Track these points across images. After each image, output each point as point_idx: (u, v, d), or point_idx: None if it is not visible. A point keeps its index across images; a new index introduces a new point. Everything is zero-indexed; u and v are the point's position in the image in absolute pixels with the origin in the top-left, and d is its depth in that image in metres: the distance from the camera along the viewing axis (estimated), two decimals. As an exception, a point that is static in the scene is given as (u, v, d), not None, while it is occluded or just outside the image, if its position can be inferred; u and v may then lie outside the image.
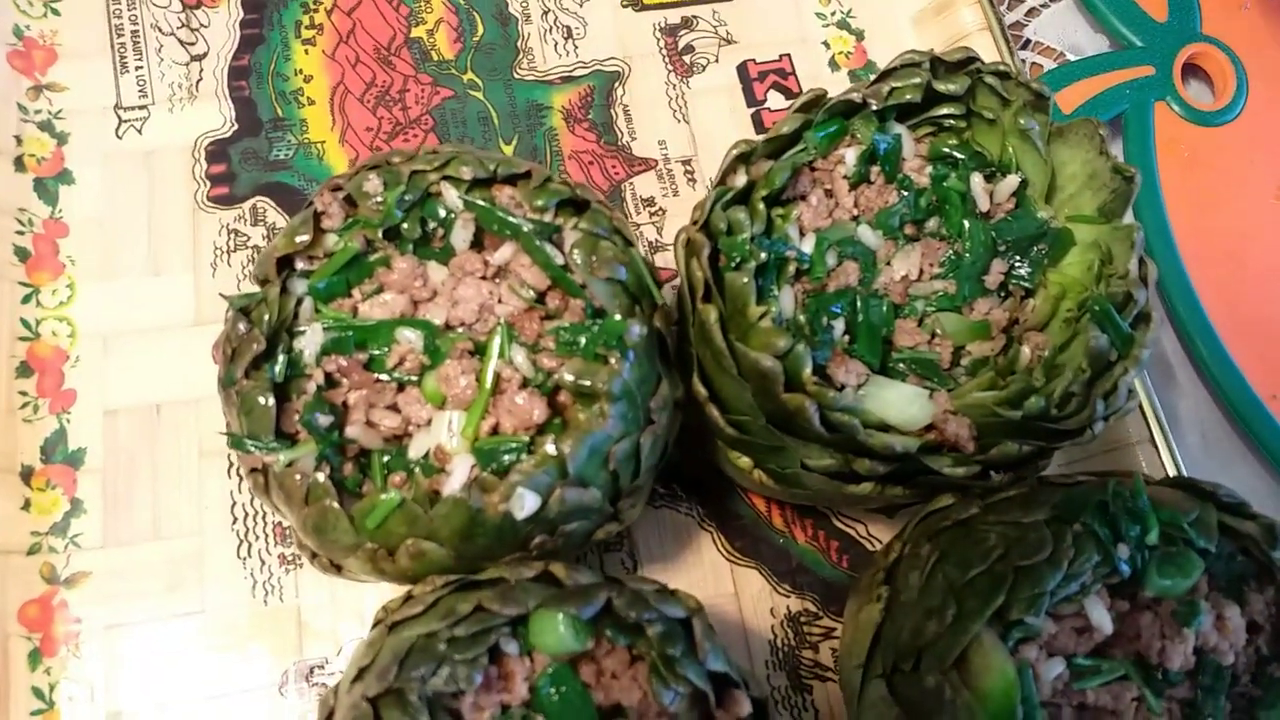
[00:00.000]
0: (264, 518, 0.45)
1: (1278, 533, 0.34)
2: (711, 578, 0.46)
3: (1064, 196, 0.39)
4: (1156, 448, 0.47)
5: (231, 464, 0.46)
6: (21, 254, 0.48)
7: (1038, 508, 0.34)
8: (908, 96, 0.37)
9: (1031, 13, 0.63)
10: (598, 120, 0.54)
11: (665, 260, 0.52)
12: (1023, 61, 0.61)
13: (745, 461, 0.40)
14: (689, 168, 0.54)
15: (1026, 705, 0.32)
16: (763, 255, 0.35)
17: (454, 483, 0.33)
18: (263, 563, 0.45)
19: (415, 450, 0.34)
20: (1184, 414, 0.54)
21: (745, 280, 0.34)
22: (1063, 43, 0.62)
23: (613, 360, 0.33)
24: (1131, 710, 0.33)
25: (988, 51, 0.54)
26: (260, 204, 0.51)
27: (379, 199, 0.35)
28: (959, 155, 0.39)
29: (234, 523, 0.45)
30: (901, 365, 0.38)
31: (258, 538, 0.45)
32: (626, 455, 0.34)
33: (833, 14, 0.58)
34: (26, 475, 0.45)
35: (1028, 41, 0.62)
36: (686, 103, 0.55)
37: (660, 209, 0.53)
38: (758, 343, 0.34)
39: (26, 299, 0.47)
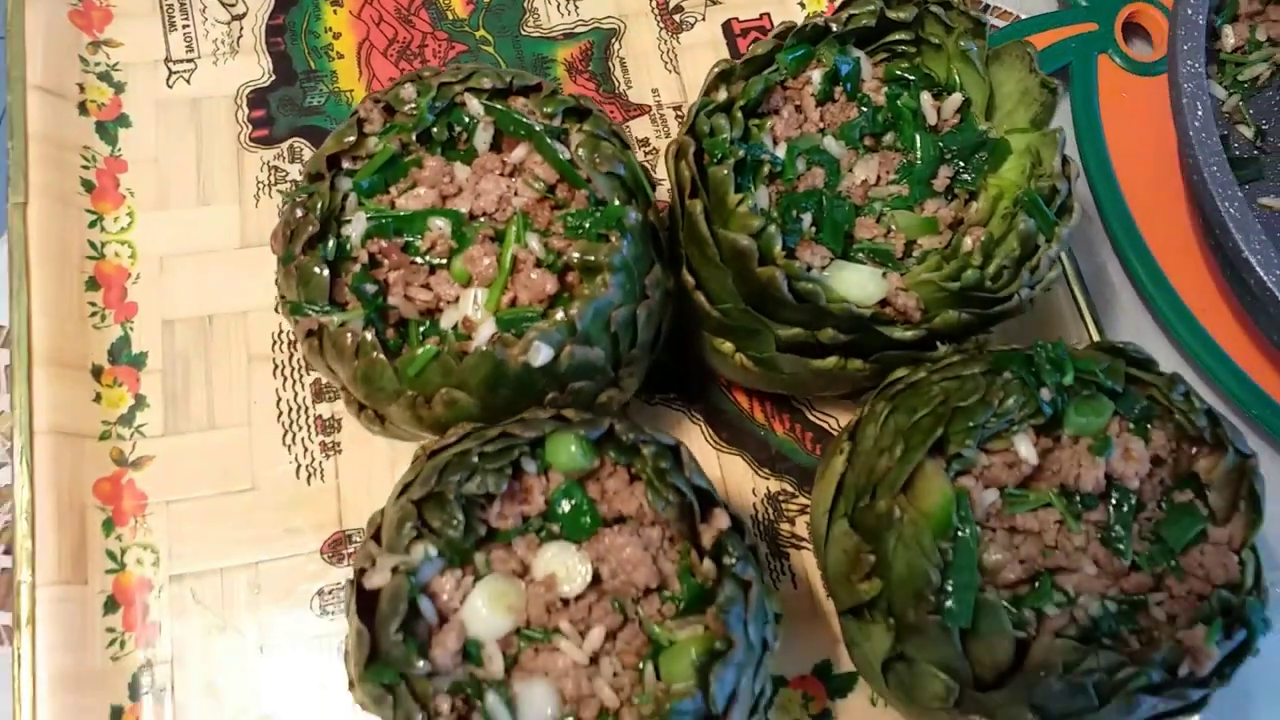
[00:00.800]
0: (306, 412, 0.51)
1: (1177, 382, 0.40)
2: (700, 464, 0.52)
3: (1003, 112, 0.46)
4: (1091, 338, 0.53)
5: (276, 366, 0.52)
6: (87, 186, 0.54)
7: (975, 364, 0.41)
8: (864, 22, 0.44)
9: (991, -18, 0.70)
10: (597, 71, 0.61)
11: (660, 195, 0.58)
12: (985, 22, 0.68)
13: (728, 346, 0.46)
14: (679, 112, 0.60)
15: (962, 519, 0.38)
16: (740, 153, 0.42)
17: (480, 339, 0.39)
18: (305, 449, 0.51)
19: (446, 321, 0.41)
20: (1125, 330, 0.60)
21: (725, 172, 0.41)
22: (1020, 7, 0.68)
23: (613, 239, 0.40)
24: (1054, 531, 0.39)
25: (946, 8, 0.60)
26: (297, 144, 0.57)
27: (413, 105, 0.41)
28: (910, 77, 0.46)
29: (279, 416, 0.51)
30: (860, 255, 0.44)
31: (301, 428, 0.51)
32: (625, 322, 0.40)
33: (808, -24, 0.64)
34: (96, 373, 0.50)
35: (988, 6, 0.69)
36: (676, 56, 0.61)
37: (654, 149, 0.59)
38: (736, 225, 0.41)
39: (92, 224, 0.53)
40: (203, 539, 0.49)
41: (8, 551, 0.50)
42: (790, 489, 0.52)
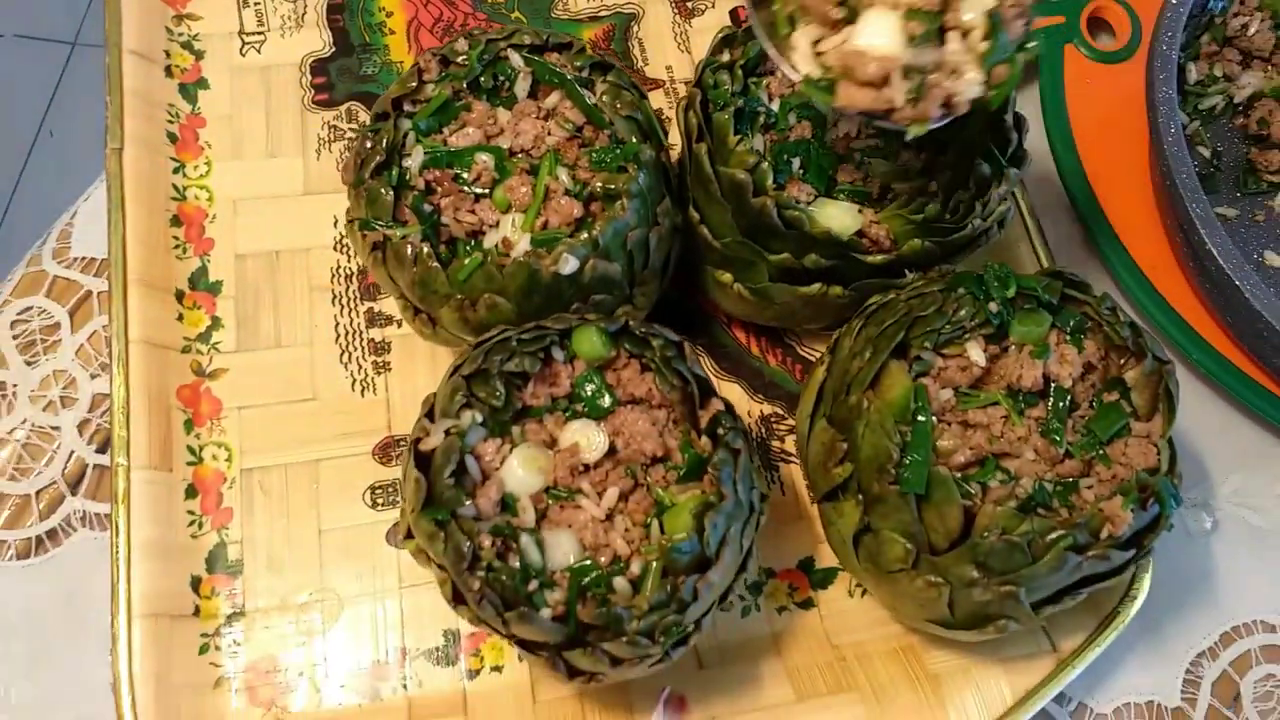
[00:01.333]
0: (360, 335, 0.59)
1: (1105, 300, 0.47)
2: (703, 388, 0.60)
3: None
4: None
5: (334, 296, 0.60)
6: (171, 137, 0.62)
7: (935, 284, 0.48)
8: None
9: (973, -20, 0.78)
10: (618, 50, 0.68)
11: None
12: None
13: (728, 277, 0.53)
14: (689, 87, 0.67)
15: (919, 407, 0.45)
16: (740, 103, 0.49)
17: (517, 252, 0.46)
18: (359, 366, 0.58)
19: (489, 241, 0.48)
20: (1086, 288, 0.67)
21: (727, 118, 0.48)
22: (997, 3, 0.76)
23: (631, 170, 0.47)
24: (1000, 424, 0.46)
25: None
26: (353, 107, 0.65)
27: (464, 57, 0.49)
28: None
29: (336, 338, 0.59)
30: (841, 195, 0.51)
31: (355, 349, 0.58)
32: (639, 243, 0.48)
33: (807, -28, 0.72)
34: (179, 296, 0.58)
35: None
36: (688, 38, 0.69)
37: (667, 117, 0.67)
38: (735, 162, 0.48)
39: (175, 170, 0.61)
40: (269, 440, 0.56)
41: (101, 450, 0.57)
42: (781, 412, 0.59)
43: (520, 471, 0.43)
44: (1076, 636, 0.52)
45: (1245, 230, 0.66)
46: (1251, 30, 0.69)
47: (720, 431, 0.44)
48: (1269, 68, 0.69)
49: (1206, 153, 0.68)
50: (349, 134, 0.64)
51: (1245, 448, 0.64)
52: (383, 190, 0.47)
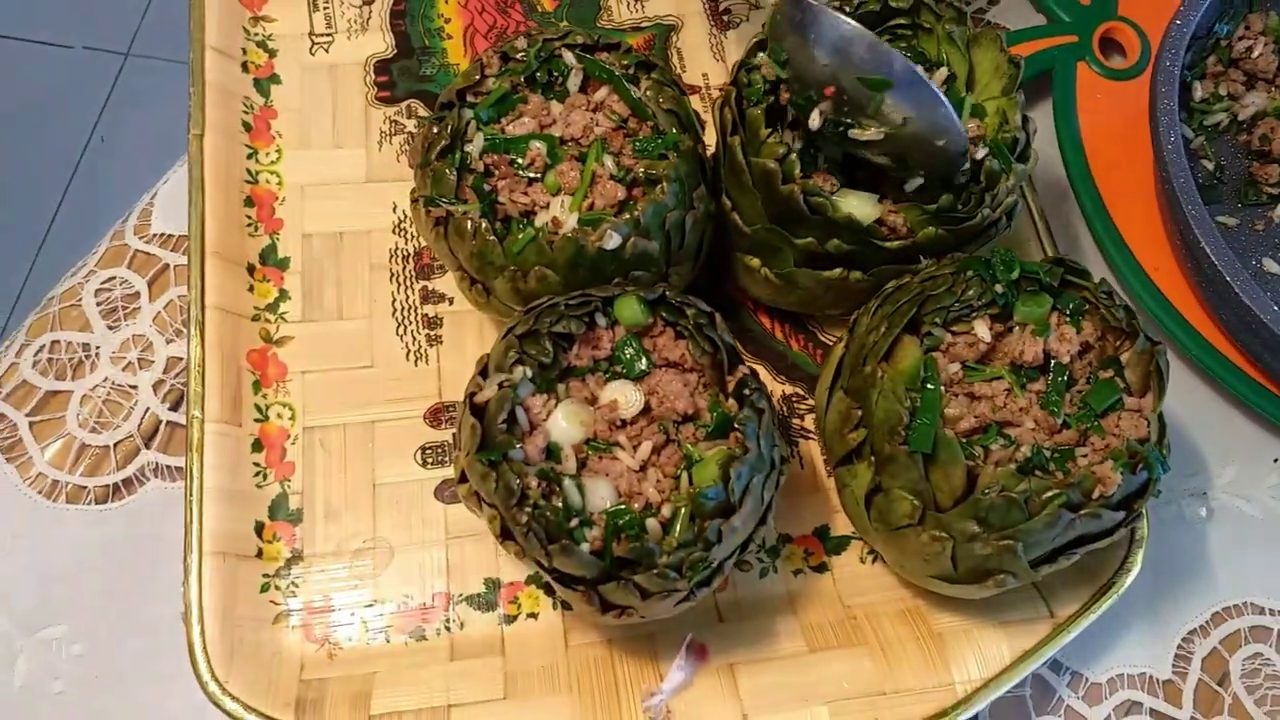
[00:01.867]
0: (415, 310, 0.63)
1: (1103, 286, 0.51)
2: (730, 368, 0.64)
3: (981, 84, 0.58)
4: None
5: (392, 274, 0.64)
6: (246, 126, 0.67)
7: (947, 267, 0.52)
8: (871, 7, 0.56)
9: (992, 1, 0.82)
10: (658, 58, 0.73)
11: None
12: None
13: (756, 262, 0.58)
14: (723, 92, 0.72)
15: (929, 376, 0.49)
16: (771, 100, 0.54)
17: (566, 229, 0.51)
18: (414, 339, 0.63)
19: (540, 220, 0.53)
20: (1092, 289, 0.71)
21: (759, 113, 0.53)
22: (1014, 25, 0.81)
23: (670, 158, 0.52)
24: (1004, 396, 0.50)
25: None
26: (413, 104, 0.70)
27: (523, 54, 0.54)
28: (908, 54, 0.58)
29: (394, 312, 0.63)
30: (862, 186, 0.56)
31: (410, 323, 0.63)
32: (676, 224, 0.52)
33: (836, -10, 0.77)
34: (250, 270, 0.63)
35: (989, 23, 0.81)
36: (723, 48, 0.74)
37: (704, 121, 0.71)
38: (766, 153, 0.53)
39: (249, 156, 0.66)
40: (329, 402, 0.61)
41: (174, 408, 0.62)
42: (801, 393, 0.64)
43: (564, 424, 0.48)
44: (1072, 605, 0.56)
45: (1245, 238, 0.70)
46: (1255, 53, 0.73)
47: (746, 393, 0.48)
48: (1272, 89, 0.73)
49: (1210, 165, 0.72)
50: (408, 128, 0.69)
51: (1241, 441, 0.67)
52: (447, 171, 0.52)
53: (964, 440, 0.49)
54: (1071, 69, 0.75)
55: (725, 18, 0.75)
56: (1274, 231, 0.70)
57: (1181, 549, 0.64)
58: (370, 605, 0.56)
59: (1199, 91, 0.73)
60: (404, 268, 0.65)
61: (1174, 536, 0.64)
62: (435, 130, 0.53)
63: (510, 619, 0.56)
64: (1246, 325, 0.61)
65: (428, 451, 0.60)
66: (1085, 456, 0.49)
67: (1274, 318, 0.59)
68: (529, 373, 0.48)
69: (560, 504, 0.45)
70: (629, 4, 0.75)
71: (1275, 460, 0.66)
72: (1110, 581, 0.56)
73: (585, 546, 0.45)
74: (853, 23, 0.50)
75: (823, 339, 0.65)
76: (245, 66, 0.69)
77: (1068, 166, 0.72)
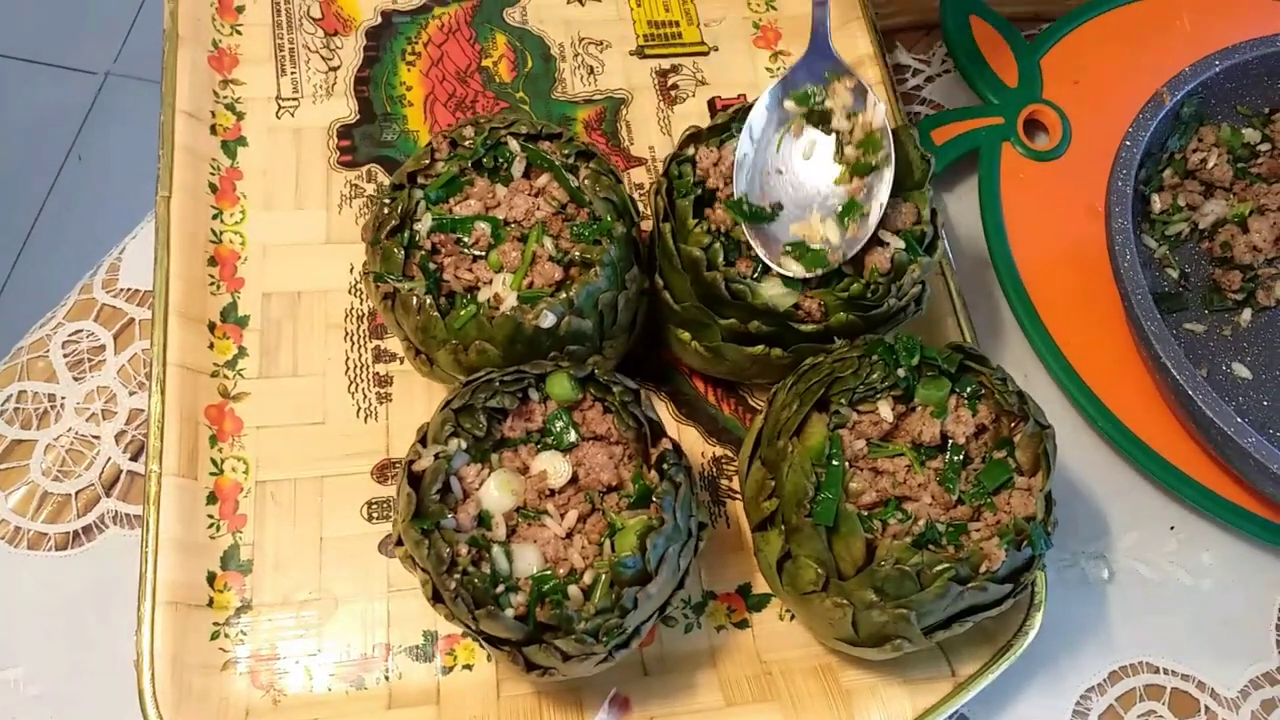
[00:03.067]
0: (367, 369, 0.67)
1: (998, 373, 0.56)
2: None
3: (897, 176, 0.62)
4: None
5: (347, 333, 0.68)
6: (212, 188, 0.71)
7: (856, 350, 0.56)
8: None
9: (929, 79, 0.87)
10: (608, 130, 0.78)
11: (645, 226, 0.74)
12: (918, 111, 0.85)
13: (686, 336, 0.62)
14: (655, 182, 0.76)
15: (833, 453, 0.53)
16: (699, 192, 0.58)
17: (506, 306, 0.55)
18: (365, 396, 0.66)
19: (482, 296, 0.57)
20: (1010, 359, 0.76)
21: (687, 204, 0.57)
22: (947, 100, 0.86)
23: (604, 243, 0.56)
24: (904, 472, 0.55)
25: (882, 96, 0.77)
26: (373, 169, 0.74)
27: (470, 141, 0.58)
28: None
29: (346, 370, 0.67)
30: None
31: (362, 381, 0.67)
32: (609, 304, 0.56)
33: (777, 68, 0.82)
34: (211, 327, 0.66)
35: (925, 99, 0.86)
36: (670, 122, 0.78)
37: (649, 191, 0.76)
38: (693, 241, 0.57)
39: (214, 216, 0.70)
40: (282, 456, 0.64)
41: (134, 458, 0.65)
42: (730, 455, 0.68)
43: (496, 493, 0.51)
44: (973, 664, 0.60)
45: (1214, 344, 0.73)
46: (1210, 164, 0.77)
47: (665, 467, 0.52)
48: (1230, 196, 0.77)
49: (1175, 274, 0.75)
50: (368, 192, 0.73)
51: (1143, 509, 0.72)
52: (395, 249, 0.55)
53: (865, 513, 0.53)
54: (997, 149, 0.80)
55: (673, 93, 0.80)
56: (1241, 336, 0.74)
57: (1083, 608, 0.68)
58: (314, 654, 0.59)
59: (1158, 204, 0.77)
60: (358, 327, 0.68)
61: (1076, 596, 0.69)
62: (386, 210, 0.57)
63: (447, 670, 0.60)
64: (1211, 435, 0.64)
65: (374, 506, 0.63)
66: (978, 531, 0.53)
67: (1237, 429, 0.63)
68: (463, 445, 0.51)
69: (488, 570, 0.49)
70: (582, 77, 0.79)
71: (1172, 528, 0.71)
72: (1009, 643, 0.60)
73: (510, 612, 0.48)
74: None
75: (752, 403, 0.69)
76: (214, 129, 0.73)
77: (989, 242, 0.77)
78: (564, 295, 0.55)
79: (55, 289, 0.73)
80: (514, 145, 0.59)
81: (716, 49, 0.82)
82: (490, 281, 0.57)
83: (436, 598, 0.50)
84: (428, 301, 0.55)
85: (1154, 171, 0.77)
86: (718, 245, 0.56)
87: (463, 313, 0.55)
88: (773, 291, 0.58)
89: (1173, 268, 0.76)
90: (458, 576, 0.48)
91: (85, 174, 1.87)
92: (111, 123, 1.93)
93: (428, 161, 0.58)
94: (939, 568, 0.51)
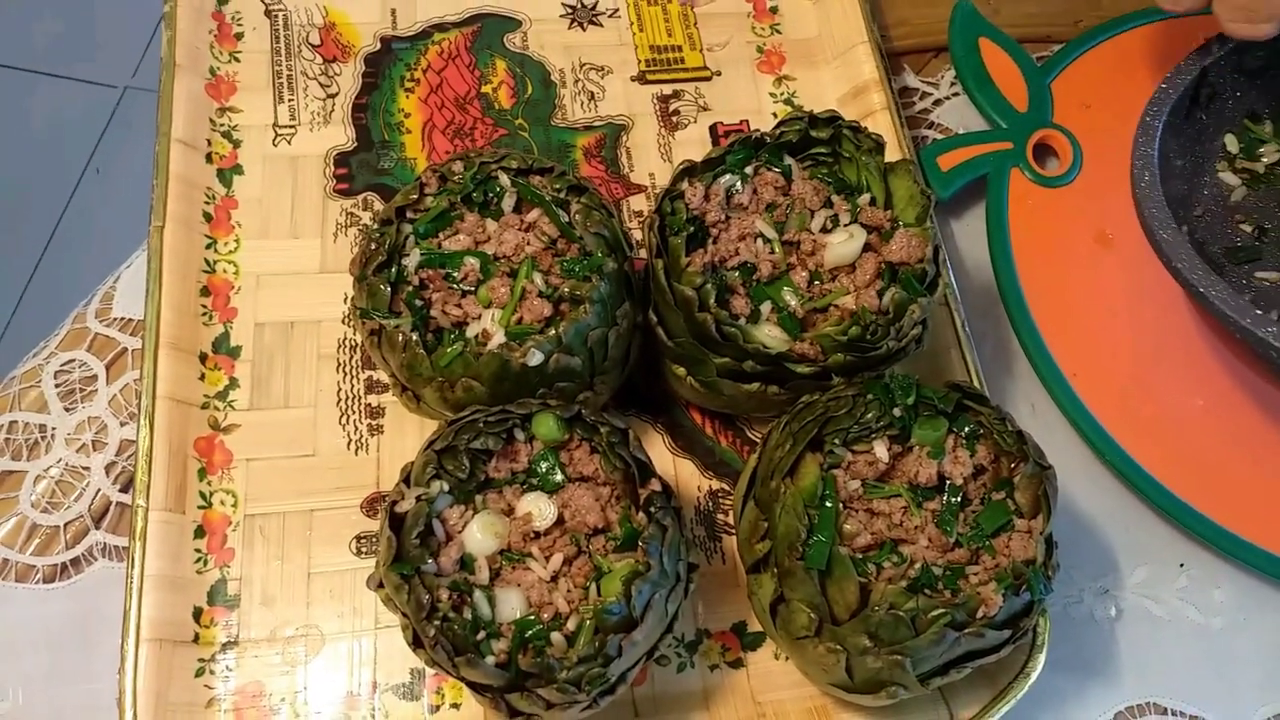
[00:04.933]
0: (359, 400, 0.66)
1: (998, 412, 0.54)
2: (659, 463, 0.67)
3: (898, 210, 0.61)
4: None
5: (339, 364, 0.67)
6: (206, 217, 0.70)
7: (851, 389, 0.55)
8: (790, 137, 0.60)
9: (937, 103, 0.86)
10: (607, 157, 0.77)
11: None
12: (925, 135, 0.84)
13: (681, 371, 0.61)
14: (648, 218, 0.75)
15: (826, 494, 0.52)
16: (692, 229, 0.57)
17: (493, 344, 0.54)
18: (356, 428, 0.66)
19: (470, 331, 0.56)
20: (1017, 391, 0.74)
21: (679, 242, 0.56)
22: (957, 125, 0.84)
23: (594, 280, 0.55)
24: (900, 514, 0.53)
25: (887, 124, 0.76)
26: (369, 196, 0.73)
27: (460, 175, 0.57)
28: (828, 180, 0.61)
29: (338, 401, 0.66)
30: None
31: (354, 412, 0.66)
32: (599, 341, 0.55)
33: (781, 94, 0.81)
34: (202, 358, 0.66)
35: (933, 123, 0.85)
36: (671, 149, 0.77)
37: (646, 218, 0.75)
38: (685, 281, 0.56)
39: (208, 246, 0.69)
40: (271, 489, 0.63)
41: (124, 490, 0.65)
42: (727, 488, 0.66)
43: (479, 535, 0.50)
44: (973, 708, 0.59)
45: None
46: None
47: (652, 510, 0.51)
48: None
49: (1249, 228, 0.73)
50: (364, 220, 0.72)
51: (1152, 544, 0.70)
52: (382, 286, 0.55)
53: (859, 557, 0.52)
54: (1005, 175, 0.79)
55: (674, 119, 0.79)
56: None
57: (1090, 646, 0.67)
58: (300, 691, 0.58)
59: (1233, 143, 0.74)
60: (351, 358, 0.68)
61: (1083, 634, 0.67)
62: (373, 245, 0.56)
63: (434, 709, 0.59)
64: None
65: (363, 540, 0.63)
66: (976, 575, 0.52)
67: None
68: (445, 487, 0.50)
69: (469, 616, 0.48)
70: (582, 104, 0.78)
71: (1182, 565, 0.69)
72: (1009, 686, 0.58)
73: (491, 659, 0.47)
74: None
75: (751, 436, 0.68)
76: (210, 157, 0.72)
77: (996, 271, 0.76)
78: (552, 332, 0.54)
79: (72, 301, 0.72)
80: (504, 180, 0.58)
81: (719, 74, 0.81)
82: (479, 317, 0.56)
83: (417, 643, 0.49)
84: (413, 338, 0.54)
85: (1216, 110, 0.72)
86: (710, 285, 0.55)
87: (449, 350, 0.54)
88: (766, 335, 0.56)
89: (1246, 221, 0.72)
90: (437, 623, 0.47)
91: (103, 186, 1.89)
92: (129, 136, 1.94)
93: (416, 196, 0.57)
94: (934, 613, 0.49)
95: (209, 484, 0.63)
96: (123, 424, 0.67)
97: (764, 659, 0.62)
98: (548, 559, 0.51)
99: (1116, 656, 0.67)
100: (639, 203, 0.75)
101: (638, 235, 0.74)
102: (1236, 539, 0.68)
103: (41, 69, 1.96)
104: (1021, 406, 0.74)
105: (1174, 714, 0.65)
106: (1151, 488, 0.69)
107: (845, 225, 0.60)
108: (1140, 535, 0.70)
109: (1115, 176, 0.78)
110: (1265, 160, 0.75)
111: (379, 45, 0.79)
